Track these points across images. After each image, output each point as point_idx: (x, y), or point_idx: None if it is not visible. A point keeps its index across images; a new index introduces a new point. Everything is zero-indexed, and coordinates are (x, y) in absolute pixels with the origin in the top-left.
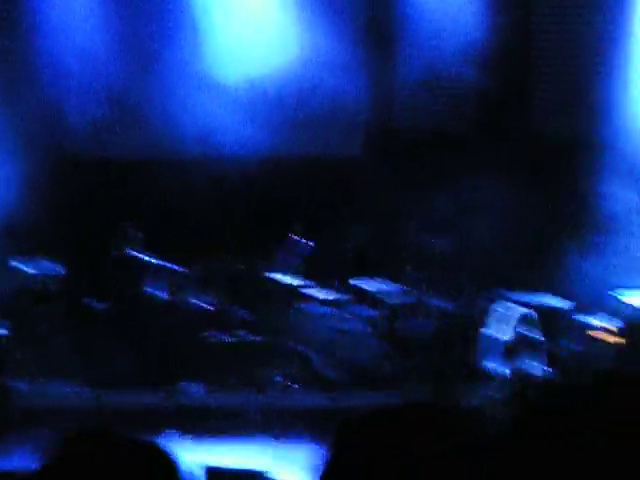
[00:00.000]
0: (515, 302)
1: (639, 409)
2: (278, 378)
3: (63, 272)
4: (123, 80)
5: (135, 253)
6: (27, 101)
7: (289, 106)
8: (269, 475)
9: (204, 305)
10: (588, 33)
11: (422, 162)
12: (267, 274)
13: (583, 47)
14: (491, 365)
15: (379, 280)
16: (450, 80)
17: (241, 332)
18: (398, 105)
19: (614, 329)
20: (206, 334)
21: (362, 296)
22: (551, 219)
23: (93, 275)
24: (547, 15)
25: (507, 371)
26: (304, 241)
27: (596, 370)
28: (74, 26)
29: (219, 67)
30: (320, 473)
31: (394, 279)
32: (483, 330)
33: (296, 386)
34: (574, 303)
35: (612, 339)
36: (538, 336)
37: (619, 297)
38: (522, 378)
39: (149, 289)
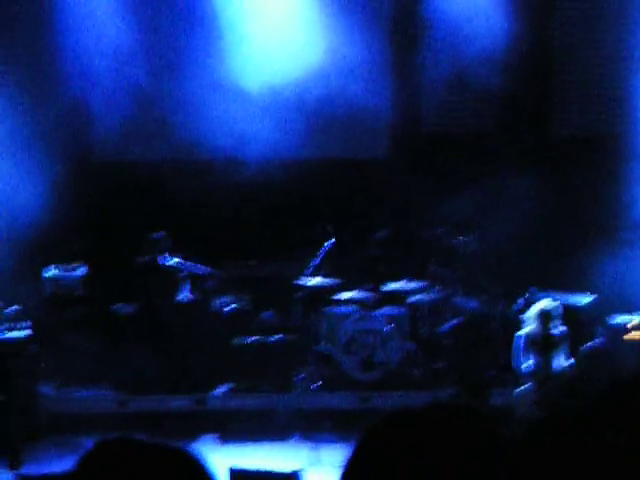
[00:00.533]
0: (540, 299)
1: None
2: (305, 379)
3: (92, 278)
4: (150, 85)
5: (164, 258)
6: (55, 107)
7: (316, 110)
8: (298, 476)
9: (231, 307)
10: (610, 37)
11: (448, 163)
12: (293, 275)
13: (604, 50)
14: (518, 363)
15: (404, 280)
16: (475, 83)
17: (268, 334)
18: (424, 108)
19: None
20: (233, 336)
21: (387, 296)
22: (578, 218)
23: (121, 280)
24: (569, 18)
25: (534, 369)
26: (331, 242)
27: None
28: (101, 32)
29: (245, 73)
30: (343, 472)
31: (419, 278)
32: (510, 328)
33: (320, 386)
34: (602, 301)
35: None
36: (564, 333)
37: None
38: (548, 376)
39: (177, 293)
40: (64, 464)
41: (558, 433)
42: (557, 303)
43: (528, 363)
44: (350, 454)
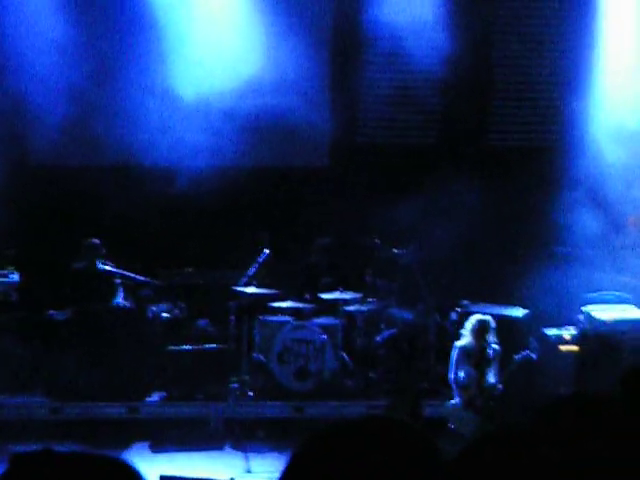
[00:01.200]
0: (475, 312)
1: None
2: (239, 388)
3: (26, 283)
4: (84, 90)
5: (99, 264)
6: None
7: (254, 119)
8: None
9: (166, 315)
10: (546, 53)
11: (385, 174)
12: (228, 284)
13: (541, 65)
14: (452, 374)
15: (340, 290)
16: (414, 96)
17: (202, 342)
18: (363, 119)
19: (575, 340)
20: (168, 344)
21: (322, 305)
22: (513, 230)
23: (56, 286)
24: (507, 34)
25: (467, 381)
26: (266, 251)
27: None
28: (41, 31)
29: (183, 81)
30: None
31: (355, 289)
32: (444, 340)
33: (254, 395)
34: (535, 313)
35: (573, 349)
36: (497, 346)
37: (583, 309)
38: (481, 389)
39: (112, 300)
40: None
41: (494, 447)
42: (490, 316)
43: (461, 375)
44: (285, 465)
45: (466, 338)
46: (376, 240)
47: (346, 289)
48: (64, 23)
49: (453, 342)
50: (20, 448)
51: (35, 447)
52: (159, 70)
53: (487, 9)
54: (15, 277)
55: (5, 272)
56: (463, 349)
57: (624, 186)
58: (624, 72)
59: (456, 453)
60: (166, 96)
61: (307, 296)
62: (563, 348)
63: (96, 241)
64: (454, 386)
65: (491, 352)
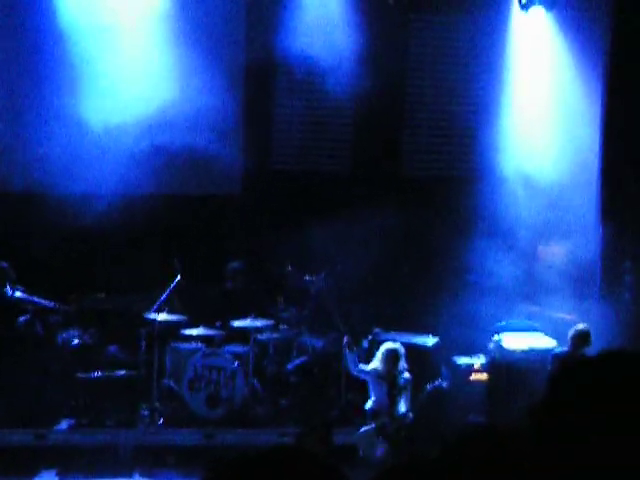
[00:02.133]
0: (386, 340)
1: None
2: (149, 414)
3: None
4: None
5: (7, 290)
6: None
7: (165, 148)
8: None
9: (76, 341)
10: (459, 80)
11: (298, 201)
12: (139, 310)
13: (454, 93)
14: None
15: (251, 317)
16: (327, 124)
17: (113, 368)
18: (276, 146)
19: (485, 368)
20: (77, 370)
21: (233, 333)
22: (425, 259)
23: None
24: (420, 62)
25: (377, 409)
26: (179, 277)
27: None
28: None
29: (93, 109)
30: None
31: (267, 316)
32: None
33: (166, 422)
34: (446, 342)
35: (483, 378)
36: (406, 373)
37: (494, 338)
38: (392, 417)
39: (21, 326)
40: None
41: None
42: (400, 344)
43: (372, 402)
44: None
45: (376, 365)
46: (289, 267)
47: (258, 316)
48: None
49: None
50: None
51: None
52: (71, 98)
53: (401, 41)
54: None
55: None
56: (375, 374)
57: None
58: (533, 108)
59: None
60: (75, 125)
61: (218, 323)
62: (473, 377)
63: (4, 264)
64: (366, 414)
65: (402, 381)
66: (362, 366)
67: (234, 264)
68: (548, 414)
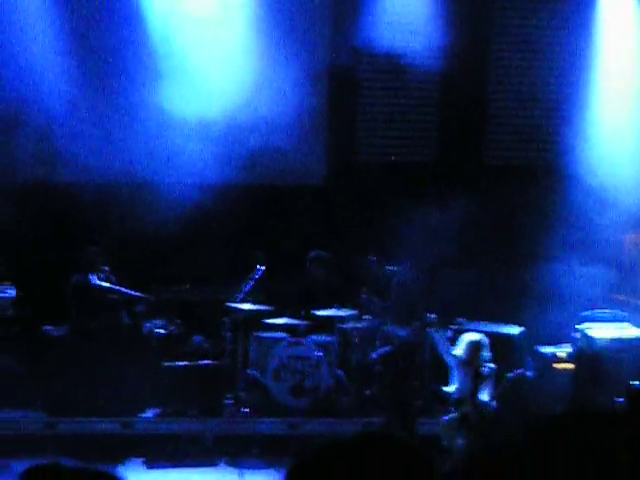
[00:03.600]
0: (469, 330)
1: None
2: (234, 404)
3: (22, 298)
4: (83, 105)
5: (95, 279)
6: None
7: (249, 138)
8: None
9: (161, 331)
10: (543, 67)
11: (382, 192)
12: (224, 300)
13: (538, 81)
14: (445, 391)
15: (335, 307)
16: (411, 114)
17: (197, 358)
18: (360, 137)
19: (571, 358)
20: (162, 360)
21: (318, 323)
22: (509, 248)
23: (52, 302)
24: (503, 51)
25: (460, 398)
26: (262, 268)
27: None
28: (34, 58)
29: (179, 100)
30: None
31: (350, 306)
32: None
33: (250, 411)
34: (532, 332)
35: (569, 367)
36: (489, 363)
37: (579, 327)
38: (475, 406)
39: (108, 316)
40: None
41: (486, 463)
42: (485, 334)
43: (455, 390)
44: None
45: (460, 355)
46: (371, 258)
47: (342, 306)
48: (56, 35)
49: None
50: (15, 463)
51: (30, 462)
52: (154, 91)
53: (484, 30)
54: (11, 292)
55: (1, 287)
56: (459, 361)
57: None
58: (621, 92)
59: (448, 469)
60: (160, 117)
61: (302, 313)
62: (558, 366)
63: (91, 257)
64: (447, 399)
65: (485, 370)
66: (452, 350)
67: (314, 254)
68: None
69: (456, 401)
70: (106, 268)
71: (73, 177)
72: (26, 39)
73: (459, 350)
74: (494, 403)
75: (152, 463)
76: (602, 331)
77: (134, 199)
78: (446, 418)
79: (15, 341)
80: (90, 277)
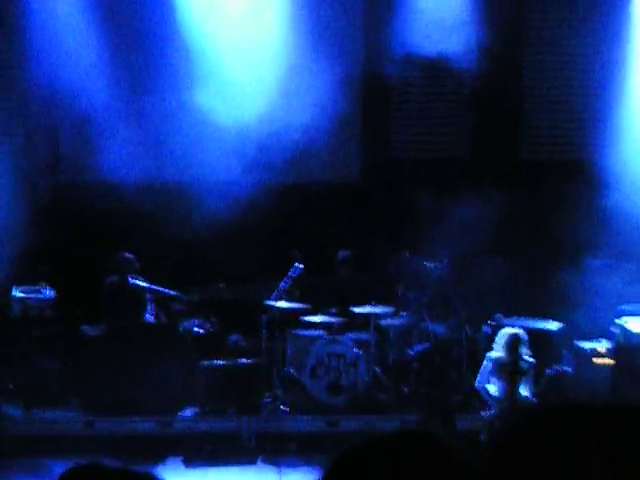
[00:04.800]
0: (507, 325)
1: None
2: (271, 402)
3: (60, 299)
4: (115, 108)
5: (131, 279)
6: (20, 129)
7: (283, 137)
8: None
9: (198, 330)
10: (579, 61)
11: (417, 188)
12: (260, 299)
13: (574, 75)
14: (484, 388)
15: (372, 304)
16: (445, 110)
17: (234, 357)
18: (394, 133)
19: (610, 353)
20: (200, 359)
21: (354, 320)
22: (546, 244)
23: (89, 301)
24: (539, 45)
25: (499, 395)
26: (298, 266)
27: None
28: (69, 58)
29: (216, 100)
30: None
31: (387, 303)
32: (477, 354)
33: (288, 409)
34: (570, 327)
35: (608, 362)
36: (531, 360)
37: (618, 322)
38: (514, 402)
39: (145, 315)
40: None
41: (526, 460)
42: (523, 329)
43: (494, 388)
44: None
45: (499, 351)
46: (406, 254)
47: (378, 304)
48: (93, 38)
49: (485, 355)
50: (54, 463)
51: (70, 462)
52: (192, 91)
53: (518, 26)
54: (50, 293)
55: (39, 288)
56: (496, 361)
57: None
58: None
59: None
60: (198, 118)
61: (334, 310)
62: (598, 361)
63: (129, 255)
64: (486, 396)
65: (524, 365)
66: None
67: (342, 253)
68: None
69: (496, 397)
70: (136, 261)
71: (109, 178)
72: (65, 40)
73: (497, 348)
74: (534, 399)
75: (191, 462)
76: None
77: (170, 199)
78: (486, 413)
79: (54, 341)
80: (127, 278)
